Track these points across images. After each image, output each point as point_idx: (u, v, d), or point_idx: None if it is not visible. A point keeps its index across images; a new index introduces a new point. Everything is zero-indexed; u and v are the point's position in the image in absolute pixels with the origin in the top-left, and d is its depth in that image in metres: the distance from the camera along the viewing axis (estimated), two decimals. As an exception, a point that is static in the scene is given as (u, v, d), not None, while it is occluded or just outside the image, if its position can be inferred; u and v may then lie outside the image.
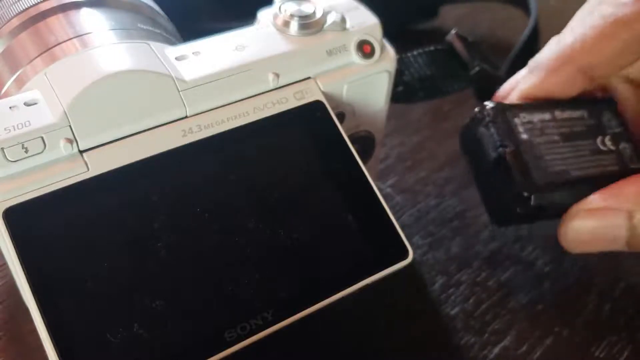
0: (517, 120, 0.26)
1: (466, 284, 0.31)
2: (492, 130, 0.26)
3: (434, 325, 0.30)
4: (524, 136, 0.26)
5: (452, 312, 0.30)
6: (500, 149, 0.26)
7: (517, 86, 0.28)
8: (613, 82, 0.29)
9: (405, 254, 0.24)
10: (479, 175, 0.28)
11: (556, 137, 0.26)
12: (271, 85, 0.25)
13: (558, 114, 0.27)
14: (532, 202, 0.25)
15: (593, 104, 0.28)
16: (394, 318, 0.30)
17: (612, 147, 0.27)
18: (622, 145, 0.27)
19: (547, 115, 0.26)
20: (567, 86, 0.27)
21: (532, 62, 0.27)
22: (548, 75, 0.27)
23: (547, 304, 0.30)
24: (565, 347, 0.29)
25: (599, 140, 0.27)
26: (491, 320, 0.30)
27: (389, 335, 0.29)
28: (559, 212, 0.27)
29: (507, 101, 0.28)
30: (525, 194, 0.25)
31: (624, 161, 0.27)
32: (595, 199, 0.26)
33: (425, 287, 0.31)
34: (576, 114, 0.27)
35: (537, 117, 0.26)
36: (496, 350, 0.29)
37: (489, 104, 0.27)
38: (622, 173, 0.27)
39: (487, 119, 0.26)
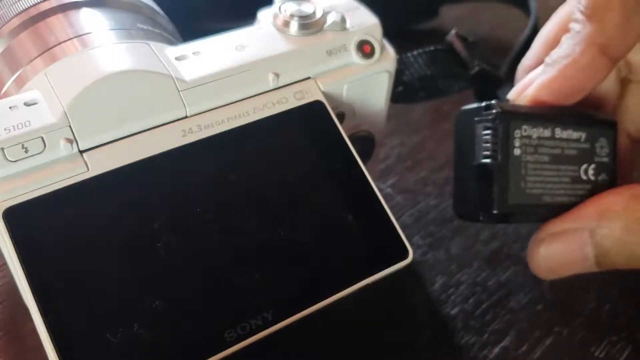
0: (517, 133, 0.25)
1: (466, 284, 0.31)
2: (489, 136, 0.25)
3: (434, 325, 0.30)
4: (517, 152, 0.25)
5: (452, 312, 0.30)
6: (488, 160, 0.25)
7: (534, 82, 0.27)
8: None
9: (405, 254, 0.24)
10: (458, 162, 0.28)
11: (546, 158, 0.26)
12: (271, 85, 0.25)
13: (558, 132, 0.26)
14: (496, 215, 0.25)
15: (595, 125, 0.27)
16: (394, 318, 0.30)
17: (592, 178, 0.27)
18: (602, 177, 0.27)
19: (547, 132, 0.26)
20: (591, 72, 0.26)
21: (549, 58, 0.26)
22: (570, 64, 0.25)
23: (547, 304, 0.30)
24: (565, 347, 0.29)
25: (583, 167, 0.27)
26: (491, 320, 0.30)
27: (389, 335, 0.29)
28: (526, 221, 0.27)
29: (524, 95, 0.27)
30: (495, 211, 0.25)
31: (597, 193, 0.26)
32: (558, 222, 0.26)
33: (425, 287, 0.31)
34: (575, 135, 0.27)
35: (537, 132, 0.26)
36: (496, 350, 0.29)
37: (497, 108, 0.25)
38: None
39: (489, 123, 0.26)
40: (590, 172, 0.27)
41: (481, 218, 0.26)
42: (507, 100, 0.28)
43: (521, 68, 0.31)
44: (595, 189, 0.27)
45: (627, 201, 0.25)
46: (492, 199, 0.25)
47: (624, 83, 0.30)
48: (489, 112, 0.26)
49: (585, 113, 0.27)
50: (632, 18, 0.24)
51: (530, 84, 0.27)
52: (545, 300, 0.30)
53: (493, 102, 0.26)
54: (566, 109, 0.27)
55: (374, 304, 0.29)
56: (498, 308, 0.30)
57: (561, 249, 0.26)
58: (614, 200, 0.25)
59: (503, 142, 0.25)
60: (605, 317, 0.30)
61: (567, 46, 0.25)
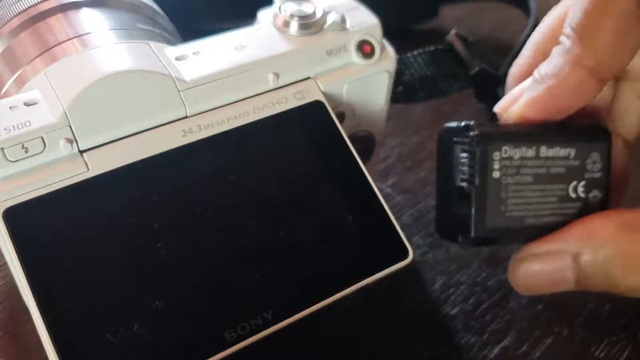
0: (496, 155, 0.24)
1: (466, 284, 0.31)
2: (466, 159, 0.25)
3: (434, 325, 0.30)
4: (496, 174, 0.24)
5: (452, 312, 0.30)
6: (465, 184, 0.25)
7: (522, 95, 0.26)
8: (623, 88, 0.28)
9: (405, 254, 0.24)
10: (439, 181, 0.27)
11: (529, 179, 0.25)
12: (271, 85, 0.25)
13: (544, 150, 0.25)
14: (474, 239, 0.25)
15: (586, 140, 0.26)
16: (394, 318, 0.30)
17: (582, 195, 0.26)
18: (593, 193, 0.26)
19: (530, 152, 0.25)
20: (577, 93, 0.25)
21: (537, 74, 0.26)
22: (557, 84, 0.25)
23: (547, 304, 0.30)
24: (565, 347, 0.29)
25: (572, 185, 0.26)
26: (491, 320, 0.30)
27: (389, 335, 0.29)
28: (508, 243, 0.26)
29: (511, 110, 0.26)
30: (472, 234, 0.25)
31: (587, 211, 0.26)
32: (541, 244, 0.25)
33: (425, 287, 0.31)
34: (562, 152, 0.26)
35: (519, 152, 0.25)
36: (496, 350, 0.29)
37: (475, 130, 0.25)
38: None
39: (466, 146, 0.25)
40: (580, 189, 0.26)
41: (460, 240, 0.25)
42: (494, 114, 0.27)
43: (511, 76, 0.30)
44: (586, 207, 0.26)
45: (615, 230, 0.24)
46: (469, 223, 0.24)
47: (617, 82, 0.29)
48: (467, 133, 0.25)
49: (576, 126, 0.26)
50: (623, 40, 0.24)
51: (519, 95, 0.26)
52: (545, 300, 0.30)
53: (471, 123, 0.25)
54: (554, 123, 0.26)
55: (374, 304, 0.29)
56: (498, 308, 0.30)
57: (542, 270, 0.25)
58: (601, 226, 0.25)
59: (481, 166, 0.24)
60: (605, 317, 0.30)
61: (557, 63, 0.25)
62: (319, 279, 0.23)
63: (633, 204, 0.27)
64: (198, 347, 0.21)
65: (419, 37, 0.37)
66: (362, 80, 0.27)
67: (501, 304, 0.30)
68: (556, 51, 0.25)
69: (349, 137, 0.25)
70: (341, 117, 0.27)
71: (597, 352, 0.29)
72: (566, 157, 0.26)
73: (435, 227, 0.28)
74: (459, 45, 0.31)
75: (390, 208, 0.24)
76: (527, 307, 0.30)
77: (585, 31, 0.24)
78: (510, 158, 0.25)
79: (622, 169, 0.29)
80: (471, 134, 0.25)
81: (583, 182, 0.26)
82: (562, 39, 0.25)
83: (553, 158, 0.25)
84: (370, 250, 0.24)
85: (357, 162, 0.25)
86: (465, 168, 0.25)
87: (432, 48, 0.31)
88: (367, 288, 0.23)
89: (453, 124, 0.26)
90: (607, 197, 0.26)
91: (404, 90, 0.30)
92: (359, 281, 0.23)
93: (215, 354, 0.21)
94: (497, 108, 0.27)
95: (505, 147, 0.25)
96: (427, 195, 0.35)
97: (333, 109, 0.25)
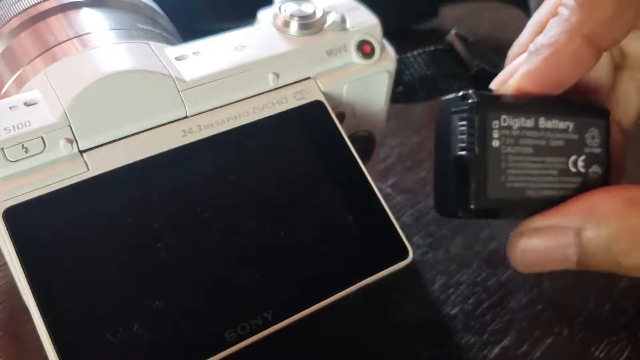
0: (495, 124, 0.24)
1: (466, 284, 0.31)
2: (465, 127, 0.24)
3: (434, 325, 0.30)
4: (495, 143, 0.24)
5: (452, 312, 0.30)
6: (465, 153, 0.24)
7: (519, 69, 0.26)
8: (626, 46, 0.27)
9: (405, 254, 0.24)
10: (437, 156, 0.26)
11: (529, 150, 0.24)
12: (271, 85, 0.25)
13: (542, 122, 0.25)
14: (474, 210, 0.24)
15: (584, 115, 0.26)
16: (394, 318, 0.30)
17: (582, 170, 0.25)
18: (593, 168, 0.25)
19: (529, 122, 0.24)
20: (576, 63, 0.24)
21: (532, 46, 0.25)
22: (554, 53, 0.24)
23: (547, 304, 0.30)
24: (565, 347, 0.29)
25: (571, 159, 0.25)
26: (491, 320, 0.30)
27: (389, 335, 0.29)
28: (509, 216, 0.26)
29: (508, 84, 0.26)
30: (472, 206, 0.24)
31: (587, 187, 0.25)
32: (542, 218, 0.25)
33: (425, 287, 0.31)
34: (561, 125, 0.25)
35: (518, 122, 0.24)
36: (496, 350, 0.29)
37: (473, 98, 0.24)
38: None
39: (465, 114, 0.24)
40: (580, 164, 0.25)
41: (459, 214, 0.25)
42: (490, 90, 0.27)
43: (511, 54, 0.29)
44: (586, 182, 0.25)
45: (620, 205, 0.23)
46: (469, 194, 0.24)
47: (617, 70, 0.28)
48: (465, 102, 0.24)
49: (574, 102, 0.26)
50: (624, 12, 0.23)
51: (516, 69, 0.26)
52: (545, 300, 0.30)
53: (470, 91, 0.24)
54: (553, 97, 0.25)
55: (374, 304, 0.29)
56: (498, 308, 0.30)
57: (542, 246, 0.24)
58: (605, 201, 0.24)
59: (480, 134, 0.24)
60: (605, 317, 0.30)
61: (553, 34, 0.24)
62: (319, 279, 0.23)
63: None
64: (198, 347, 0.21)
65: (419, 37, 0.37)
66: (362, 80, 0.27)
67: (501, 304, 0.30)
68: (553, 22, 0.25)
69: (349, 137, 0.25)
70: (341, 117, 0.27)
71: (597, 352, 0.29)
72: (565, 130, 0.25)
73: (434, 206, 0.27)
74: (459, 45, 0.31)
75: (390, 208, 0.24)
76: (527, 307, 0.30)
77: (586, 3, 0.24)
78: (509, 127, 0.24)
79: (620, 156, 0.28)
80: (470, 101, 0.24)
81: (583, 157, 0.25)
82: (561, 9, 0.24)
83: (552, 130, 0.25)
84: (370, 250, 0.24)
85: (357, 162, 0.25)
86: (464, 136, 0.24)
87: (432, 48, 0.31)
88: (367, 288, 0.23)
89: (451, 96, 0.25)
90: (607, 173, 0.26)
91: (404, 90, 0.30)
92: (359, 281, 0.23)
93: (215, 354, 0.21)
94: (494, 84, 0.27)
95: (504, 116, 0.24)
96: (427, 195, 0.35)
97: (333, 109, 0.25)
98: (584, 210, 0.24)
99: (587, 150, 0.26)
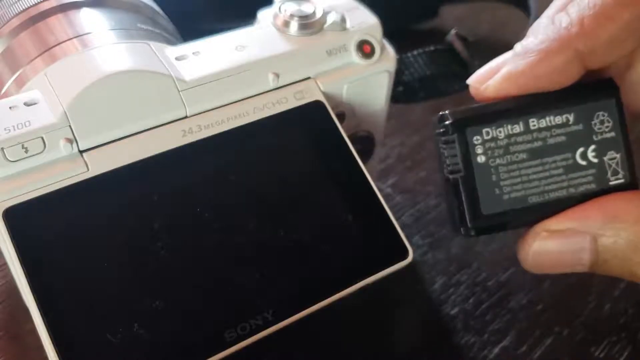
0: (476, 139, 0.23)
1: (466, 284, 0.31)
2: (446, 150, 0.24)
3: (434, 325, 0.30)
4: (481, 159, 0.23)
5: (452, 312, 0.30)
6: (452, 176, 0.24)
7: (502, 68, 0.25)
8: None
9: (405, 254, 0.24)
10: (440, 178, 0.26)
11: (523, 156, 0.24)
12: (271, 85, 0.25)
13: (533, 122, 0.24)
14: (473, 229, 0.24)
15: (586, 99, 0.24)
16: (394, 318, 0.30)
17: (594, 160, 0.24)
18: (610, 155, 0.24)
19: (517, 127, 0.24)
20: (560, 74, 0.24)
21: (519, 46, 0.24)
22: (541, 60, 0.23)
23: (547, 304, 0.30)
24: (565, 347, 0.29)
25: (579, 152, 0.24)
26: (491, 320, 0.30)
27: (389, 335, 0.29)
28: (519, 226, 0.25)
29: (488, 84, 0.25)
30: (470, 225, 0.24)
31: (604, 178, 0.24)
32: (558, 220, 0.24)
33: (425, 287, 0.31)
34: (558, 119, 0.24)
35: (504, 130, 0.23)
36: (496, 350, 0.29)
37: (449, 118, 0.24)
38: (596, 194, 0.24)
39: (444, 136, 0.24)
40: (591, 154, 0.24)
41: (463, 233, 0.24)
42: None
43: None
44: (603, 171, 0.24)
45: None
46: (464, 214, 0.24)
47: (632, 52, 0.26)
48: (442, 124, 0.24)
49: (570, 88, 0.24)
50: (628, 39, 0.23)
51: (498, 69, 0.25)
52: (545, 300, 0.30)
53: (447, 112, 0.24)
54: (542, 92, 0.24)
55: (374, 304, 0.29)
56: (498, 308, 0.30)
57: (556, 249, 0.24)
58: (626, 207, 0.23)
59: (462, 154, 0.23)
60: (605, 317, 0.30)
61: (544, 39, 0.23)
62: (319, 279, 0.23)
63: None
64: (198, 347, 0.21)
65: (419, 37, 0.37)
66: (362, 80, 0.27)
67: (501, 304, 0.30)
68: (547, 27, 0.24)
69: (349, 137, 0.25)
70: (341, 117, 0.27)
71: (597, 352, 0.29)
72: (564, 124, 0.24)
73: (450, 228, 0.26)
74: (459, 45, 0.31)
75: (390, 208, 0.24)
76: (527, 307, 0.30)
77: (592, 19, 0.23)
78: (494, 139, 0.24)
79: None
80: (446, 123, 0.24)
81: (593, 146, 0.24)
82: (561, 16, 0.23)
83: (548, 128, 0.24)
84: (370, 250, 0.24)
85: (357, 162, 0.25)
86: (447, 159, 0.24)
87: (432, 48, 0.31)
88: (367, 288, 0.23)
89: (436, 116, 0.25)
90: (629, 155, 0.24)
91: (404, 90, 0.30)
92: (359, 281, 0.23)
93: (215, 354, 0.21)
94: (471, 80, 0.26)
95: (486, 129, 0.24)
96: (427, 195, 0.35)
97: (333, 109, 0.25)
98: (603, 216, 0.23)
99: (597, 137, 0.24)
